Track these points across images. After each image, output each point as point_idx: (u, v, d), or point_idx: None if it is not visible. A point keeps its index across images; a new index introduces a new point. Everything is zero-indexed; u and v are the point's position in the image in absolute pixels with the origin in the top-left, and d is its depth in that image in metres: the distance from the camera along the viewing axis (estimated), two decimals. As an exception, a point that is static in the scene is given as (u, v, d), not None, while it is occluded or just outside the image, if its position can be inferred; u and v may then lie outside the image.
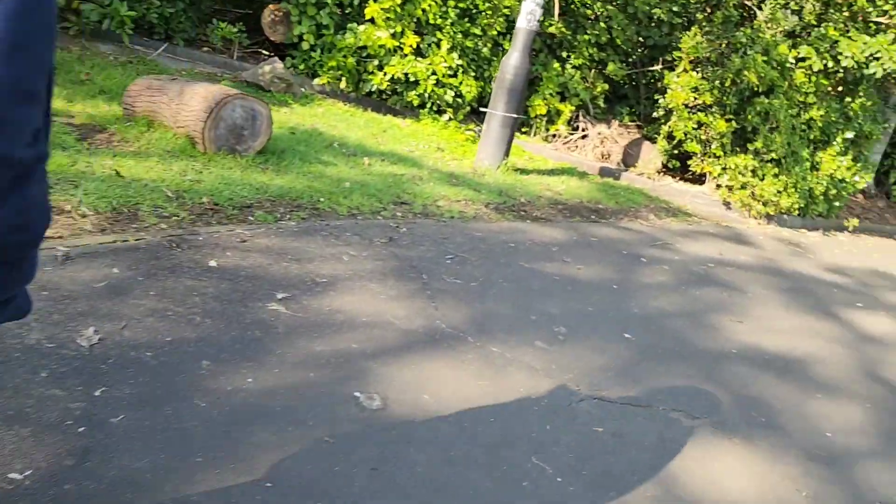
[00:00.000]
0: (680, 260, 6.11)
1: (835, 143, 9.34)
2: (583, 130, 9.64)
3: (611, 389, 3.21)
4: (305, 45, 8.61)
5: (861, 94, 9.41)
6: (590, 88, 9.61)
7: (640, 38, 10.02)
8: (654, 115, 9.30)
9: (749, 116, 8.60)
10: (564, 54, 9.51)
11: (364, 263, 4.01)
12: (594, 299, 4.47)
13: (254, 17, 9.29)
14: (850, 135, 9.33)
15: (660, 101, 9.07)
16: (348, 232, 4.49)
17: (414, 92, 8.47)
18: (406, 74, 8.37)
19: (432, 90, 8.48)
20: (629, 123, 9.92)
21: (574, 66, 9.48)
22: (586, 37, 9.33)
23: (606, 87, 9.75)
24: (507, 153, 7.60)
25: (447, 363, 3.11)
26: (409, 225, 5.05)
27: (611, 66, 9.54)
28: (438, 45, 8.45)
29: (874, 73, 8.67)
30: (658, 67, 9.74)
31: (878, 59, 8.50)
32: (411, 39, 8.22)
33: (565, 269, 4.95)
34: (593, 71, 9.71)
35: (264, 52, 9.32)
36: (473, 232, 5.29)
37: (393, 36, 8.31)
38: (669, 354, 3.87)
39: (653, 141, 9.47)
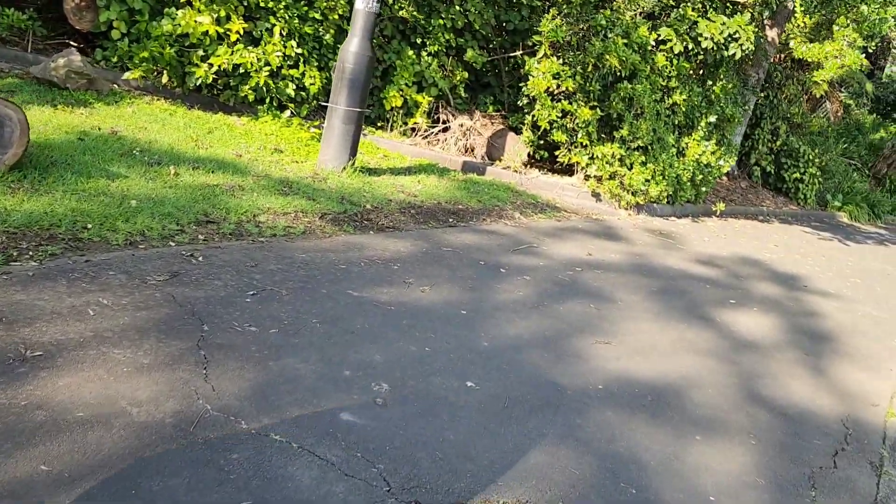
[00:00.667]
0: (545, 266, 5.40)
1: (699, 127, 9.04)
2: (444, 123, 8.83)
3: (434, 485, 2.36)
4: (116, 34, 7.27)
5: (721, 76, 9.15)
6: (449, 77, 8.81)
7: (500, 22, 9.32)
8: (519, 103, 8.63)
9: (613, 103, 8.08)
10: (419, 40, 8.65)
11: (118, 317, 2.96)
12: (435, 334, 3.62)
13: (56, 1, 7.82)
14: (713, 119, 9.05)
15: (523, 89, 8.40)
16: (113, 270, 3.41)
17: (248, 86, 7.34)
18: (236, 66, 7.23)
19: (266, 82, 7.38)
20: (493, 114, 9.21)
21: (430, 54, 8.64)
22: (441, 21, 8.51)
23: (466, 75, 8.98)
24: (353, 152, 6.65)
25: (194, 478, 2.14)
26: (210, 251, 4.01)
27: (469, 53, 8.78)
28: (271, 32, 7.35)
29: (733, 55, 8.37)
30: (519, 53, 9.08)
31: (736, 39, 8.19)
32: (237, 25, 7.07)
33: (405, 294, 4.08)
34: (451, 58, 8.91)
35: (72, 43, 7.87)
36: (296, 253, 4.32)
37: (217, 21, 7.14)
38: (521, 408, 3.08)
39: (518, 132, 8.81)
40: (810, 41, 12.63)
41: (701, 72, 9.27)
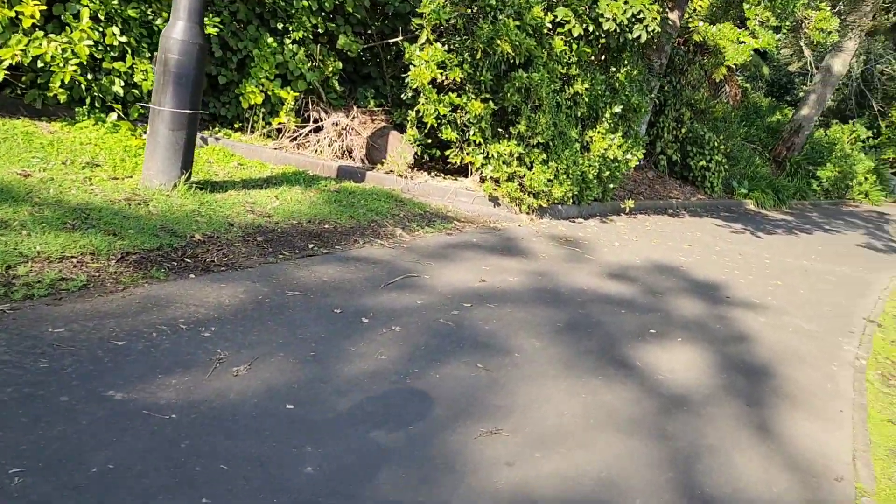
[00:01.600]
0: (424, 306, 4.21)
1: (603, 119, 8.09)
2: (315, 122, 7.50)
3: None
4: None
5: (626, 62, 8.23)
6: (319, 68, 7.47)
7: (377, 4, 8.04)
8: (404, 97, 7.41)
9: (508, 95, 6.98)
10: (280, 25, 7.27)
11: None
12: (230, 463, 2.37)
13: None
14: (618, 109, 8.13)
15: (407, 80, 7.18)
16: None
17: (56, 83, 5.78)
18: (35, 59, 5.66)
19: (80, 79, 5.85)
20: (375, 109, 7.95)
21: (295, 41, 7.27)
22: (306, 3, 7.15)
23: (340, 65, 7.67)
24: (186, 165, 5.25)
25: None
26: None
27: (342, 40, 7.47)
28: (79, 17, 5.81)
29: (638, 37, 7.44)
30: (400, 39, 7.83)
31: (640, 20, 7.25)
32: (31, 8, 5.50)
33: (204, 384, 2.80)
34: (321, 46, 7.57)
35: None
36: (51, 327, 2.95)
37: (8, 3, 5.55)
38: None
39: (403, 129, 7.59)
40: (711, 24, 12.00)
41: (603, 57, 8.32)
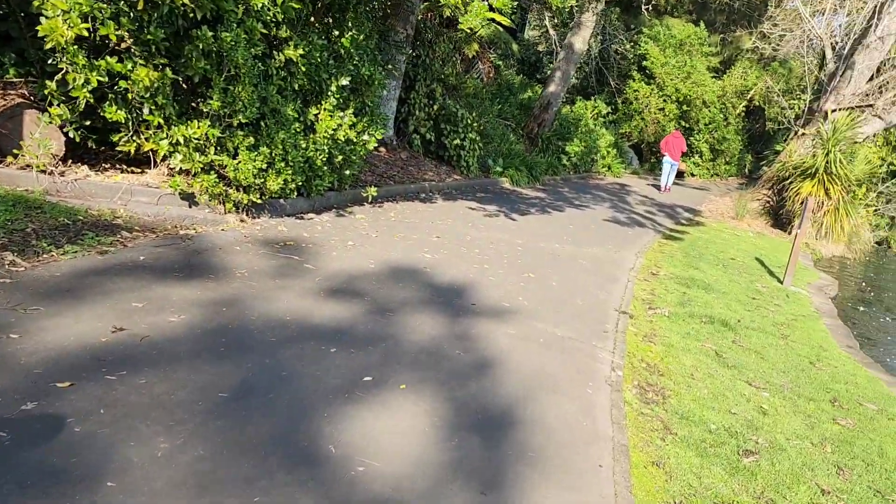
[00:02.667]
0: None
1: (329, 93, 6.69)
2: None
3: None
4: None
5: (350, 24, 6.87)
6: None
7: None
8: (53, 63, 5.32)
9: (192, 61, 5.27)
10: None
11: None
12: None
13: None
14: (345, 81, 6.76)
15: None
16: None
17: None
18: None
19: None
20: (16, 80, 5.76)
21: None
22: None
23: (-55, 17, 5.36)
24: None
25: None
26: None
27: (-56, -20, 5.18)
28: None
29: (357, -8, 6.11)
30: (41, -17, 5.68)
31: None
32: None
33: None
34: None
35: None
36: None
37: None
38: None
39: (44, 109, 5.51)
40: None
41: (325, 20, 6.89)
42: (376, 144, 10.70)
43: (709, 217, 14.65)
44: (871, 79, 15.02)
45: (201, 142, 5.48)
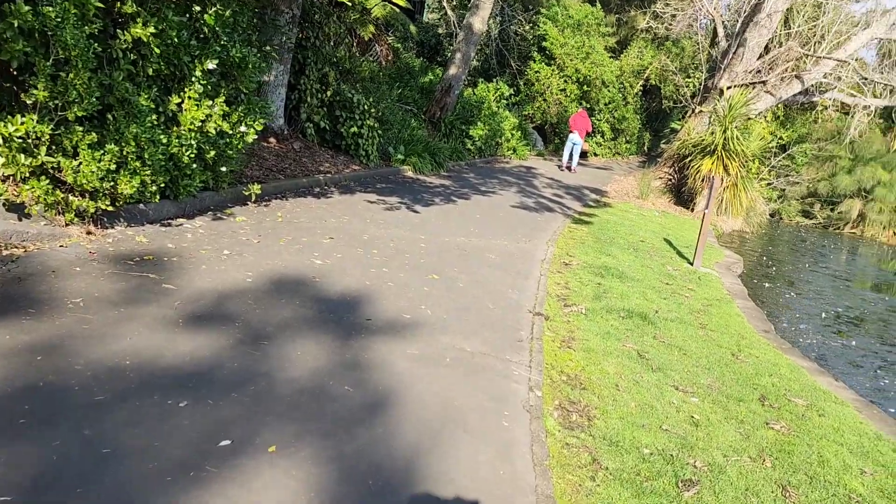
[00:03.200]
0: None
1: (193, 79, 5.74)
2: None
3: None
4: None
5: (215, -1, 5.92)
6: None
7: None
8: None
9: (9, 42, 4.23)
10: None
11: None
12: None
13: None
14: (212, 65, 5.82)
15: None
16: None
17: None
18: None
19: None
20: None
21: None
22: None
23: None
24: None
25: None
26: None
27: None
28: None
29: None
30: None
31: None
32: None
33: None
34: None
35: None
36: None
37: None
38: None
39: None
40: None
41: (186, -7, 5.89)
42: (260, 136, 9.72)
43: (615, 197, 14.51)
44: (760, 56, 15.26)
45: (28, 141, 4.46)
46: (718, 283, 8.33)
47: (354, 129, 11.33)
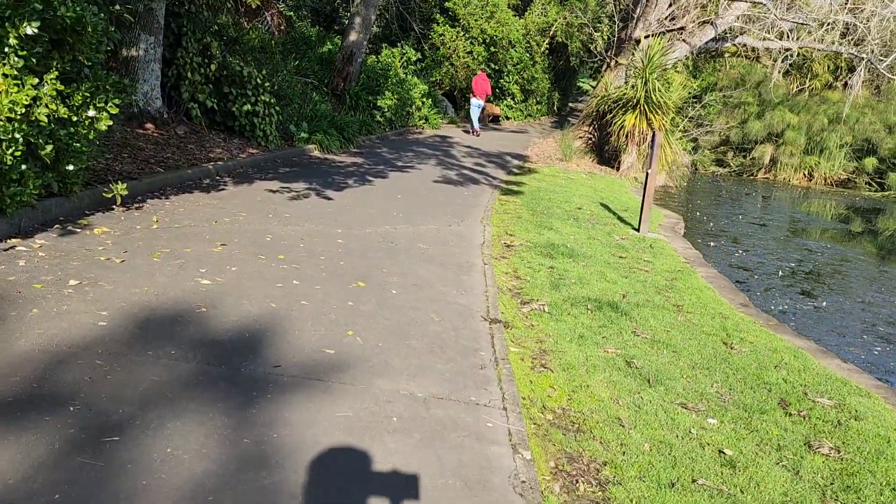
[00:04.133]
0: None
1: (7, 49, 4.17)
2: None
3: None
4: None
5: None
6: None
7: None
8: None
9: None
10: None
11: None
12: None
13: None
14: (31, 29, 4.25)
15: None
16: None
17: None
18: None
19: None
20: None
21: None
22: None
23: None
24: None
25: None
26: None
27: None
28: None
29: None
30: None
31: None
32: None
33: None
34: None
35: None
36: None
37: None
38: None
39: None
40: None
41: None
42: (135, 122, 8.11)
43: (538, 162, 13.55)
44: (671, 3, 14.56)
45: None
46: (671, 249, 7.48)
47: (248, 106, 9.75)
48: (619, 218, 8.83)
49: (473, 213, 7.56)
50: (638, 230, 8.08)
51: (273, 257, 4.77)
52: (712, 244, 9.33)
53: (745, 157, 19.58)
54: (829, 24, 15.49)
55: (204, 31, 9.50)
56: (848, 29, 16.54)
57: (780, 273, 8.08)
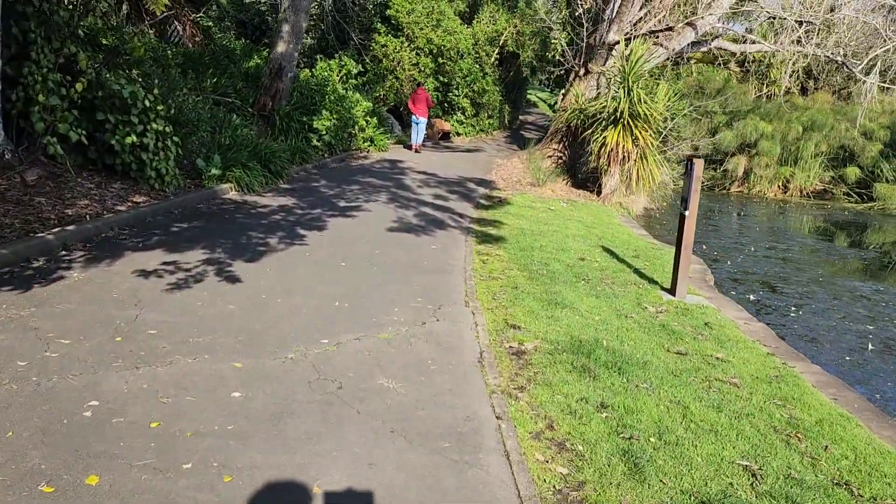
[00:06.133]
0: None
1: None
2: None
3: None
4: None
5: None
6: None
7: None
8: None
9: None
10: None
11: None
12: None
13: None
14: None
15: None
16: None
17: None
18: None
19: None
20: None
21: None
22: None
23: None
24: None
25: None
26: None
27: None
28: None
29: None
30: None
31: None
32: None
33: None
34: None
35: None
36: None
37: None
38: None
39: None
40: None
41: None
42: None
43: (506, 189, 11.15)
44: (643, 4, 12.43)
45: None
46: (732, 326, 5.15)
47: (132, 138, 7.00)
48: (636, 271, 6.48)
49: (451, 286, 5.07)
50: (672, 293, 5.74)
51: (76, 482, 2.15)
52: (752, 298, 7.07)
53: (715, 169, 17.70)
54: (806, 24, 13.68)
55: (64, 39, 6.72)
56: (820, 30, 14.84)
57: (871, 347, 5.84)
